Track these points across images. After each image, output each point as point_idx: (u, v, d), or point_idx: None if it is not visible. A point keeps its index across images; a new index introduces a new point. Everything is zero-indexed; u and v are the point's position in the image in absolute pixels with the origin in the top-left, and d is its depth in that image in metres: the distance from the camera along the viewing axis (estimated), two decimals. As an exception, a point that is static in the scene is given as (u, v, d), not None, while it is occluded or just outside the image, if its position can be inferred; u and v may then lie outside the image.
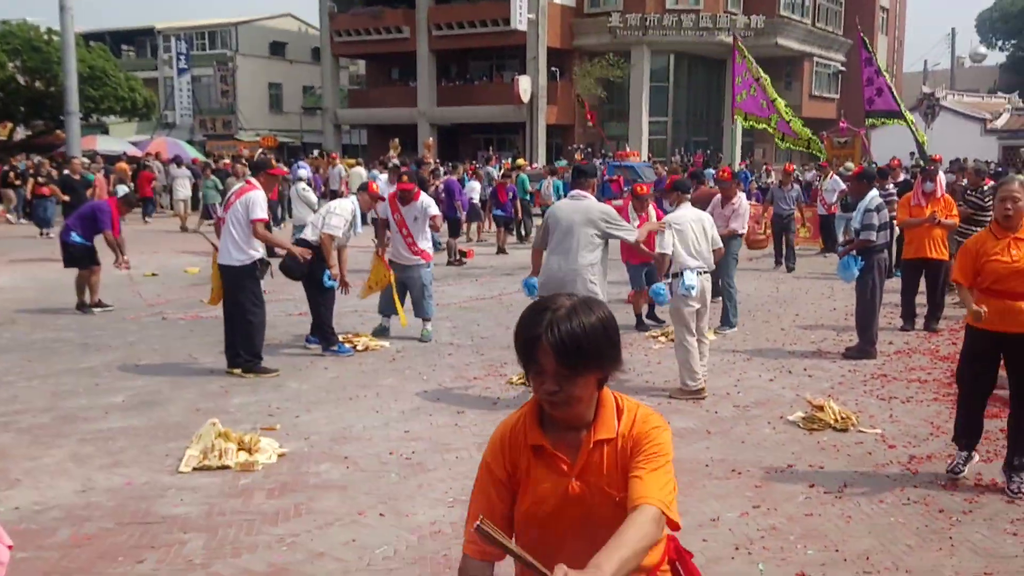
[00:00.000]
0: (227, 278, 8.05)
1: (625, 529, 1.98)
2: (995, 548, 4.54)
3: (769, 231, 16.70)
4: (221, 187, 22.24)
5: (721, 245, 7.81)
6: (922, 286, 10.33)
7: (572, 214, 7.16)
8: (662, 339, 9.66)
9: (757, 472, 5.63)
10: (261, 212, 7.95)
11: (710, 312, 7.96)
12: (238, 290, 8.01)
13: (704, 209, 8.81)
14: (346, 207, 8.98)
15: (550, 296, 2.17)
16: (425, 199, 9.63)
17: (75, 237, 10.98)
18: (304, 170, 16.81)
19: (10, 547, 2.45)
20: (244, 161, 22.06)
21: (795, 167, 17.85)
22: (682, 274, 7.44)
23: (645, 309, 10.75)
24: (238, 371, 8.00)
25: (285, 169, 9.52)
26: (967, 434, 5.58)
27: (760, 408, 7.08)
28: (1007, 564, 4.35)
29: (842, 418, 6.56)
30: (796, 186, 16.50)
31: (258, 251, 8.07)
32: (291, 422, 6.66)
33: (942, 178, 10.54)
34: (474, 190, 21.19)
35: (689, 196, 8.10)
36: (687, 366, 7.41)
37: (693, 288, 7.38)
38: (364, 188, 9.85)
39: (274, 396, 7.37)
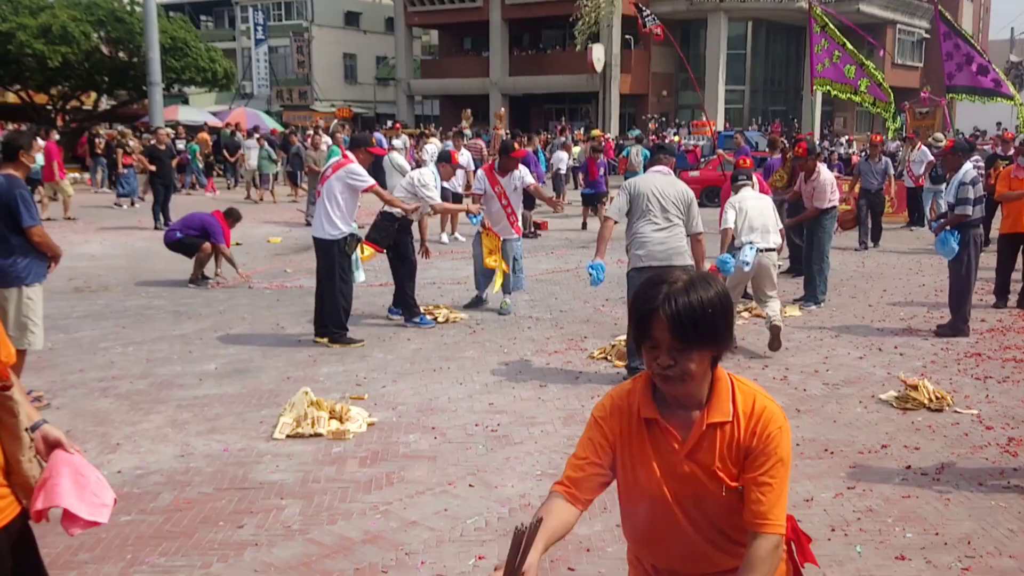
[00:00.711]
0: (320, 251, 8.15)
1: (753, 564, 2.04)
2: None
3: (854, 209, 14.96)
4: (274, 157, 22.53)
5: (781, 226, 7.50)
6: (1018, 263, 9.98)
7: (666, 188, 7.02)
8: (745, 314, 9.51)
9: (850, 452, 5.52)
10: (365, 178, 8.02)
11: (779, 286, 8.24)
12: (330, 263, 8.09)
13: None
14: (428, 177, 9.03)
15: (665, 270, 2.14)
16: (522, 168, 9.62)
17: (179, 235, 11.14)
18: (399, 140, 17.15)
19: (115, 500, 2.53)
20: (320, 131, 22.30)
21: (883, 137, 16.95)
22: (742, 248, 7.94)
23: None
24: (325, 341, 8.14)
25: (384, 149, 9.61)
26: None
27: (851, 386, 6.94)
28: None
29: (937, 398, 6.39)
30: (885, 158, 15.27)
31: (351, 225, 8.15)
32: (378, 392, 6.76)
33: None
34: (561, 160, 21.10)
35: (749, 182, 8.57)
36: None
37: (748, 264, 7.87)
38: (446, 158, 9.87)
39: (360, 366, 7.48)
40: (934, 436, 5.81)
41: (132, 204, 20.71)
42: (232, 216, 11.67)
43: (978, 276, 8.84)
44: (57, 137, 20.68)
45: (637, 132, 33.65)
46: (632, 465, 2.17)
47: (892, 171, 16.10)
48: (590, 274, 7.20)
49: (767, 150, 14.60)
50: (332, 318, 8.16)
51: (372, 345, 8.17)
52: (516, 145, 9.86)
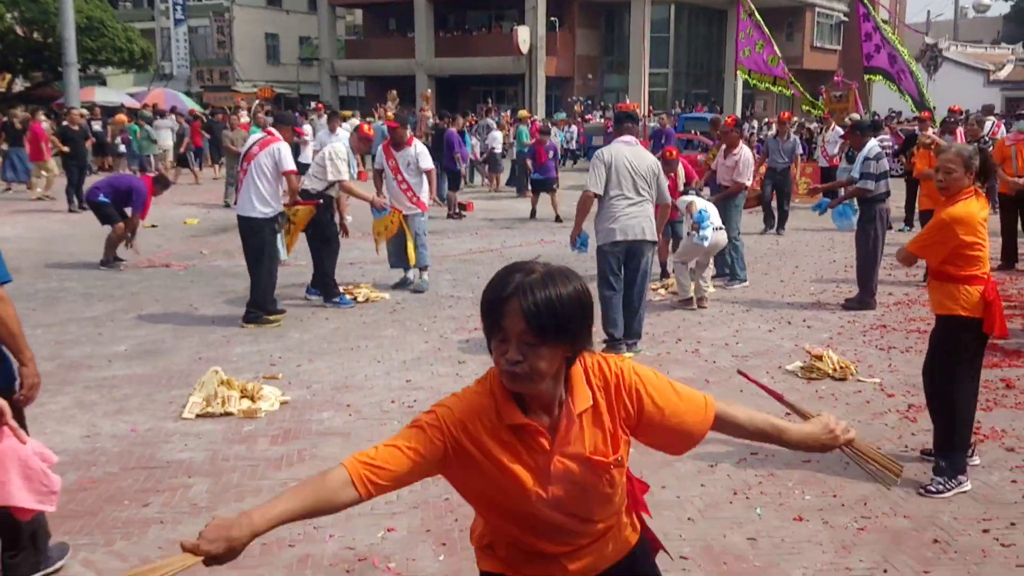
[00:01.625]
0: (247, 231, 7.99)
1: (741, 413, 2.20)
2: (994, 495, 4.59)
3: (757, 187, 14.05)
4: (154, 137, 21.96)
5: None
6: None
7: (636, 161, 6.99)
8: (662, 291, 9.67)
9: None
10: (291, 163, 7.91)
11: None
12: (259, 243, 7.95)
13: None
14: (341, 150, 8.94)
15: (520, 261, 2.01)
16: (419, 146, 9.55)
17: (102, 198, 10.79)
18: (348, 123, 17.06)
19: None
20: (240, 111, 21.88)
21: (794, 116, 16.93)
22: (701, 227, 8.51)
23: (670, 262, 10.67)
24: (250, 325, 8.03)
25: (304, 130, 9.53)
26: None
27: (759, 358, 7.12)
28: (1006, 510, 4.41)
29: (840, 367, 6.60)
30: (794, 137, 14.83)
31: (279, 205, 8.03)
32: (293, 371, 6.70)
33: (961, 133, 10.42)
34: (496, 140, 21.03)
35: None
36: (682, 285, 9.03)
37: (707, 240, 8.53)
38: (356, 130, 9.80)
39: (276, 346, 7.40)
40: (836, 403, 6.00)
41: (8, 188, 19.71)
42: (160, 183, 11.36)
43: (885, 252, 9.13)
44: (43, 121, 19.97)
45: (562, 115, 33.79)
46: (496, 473, 2.02)
47: (801, 150, 15.74)
48: (578, 248, 7.48)
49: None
50: (256, 295, 8.06)
51: (289, 325, 8.08)
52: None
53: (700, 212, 8.66)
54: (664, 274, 10.24)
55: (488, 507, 2.14)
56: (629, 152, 7.05)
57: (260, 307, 8.07)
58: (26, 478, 2.39)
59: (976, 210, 4.52)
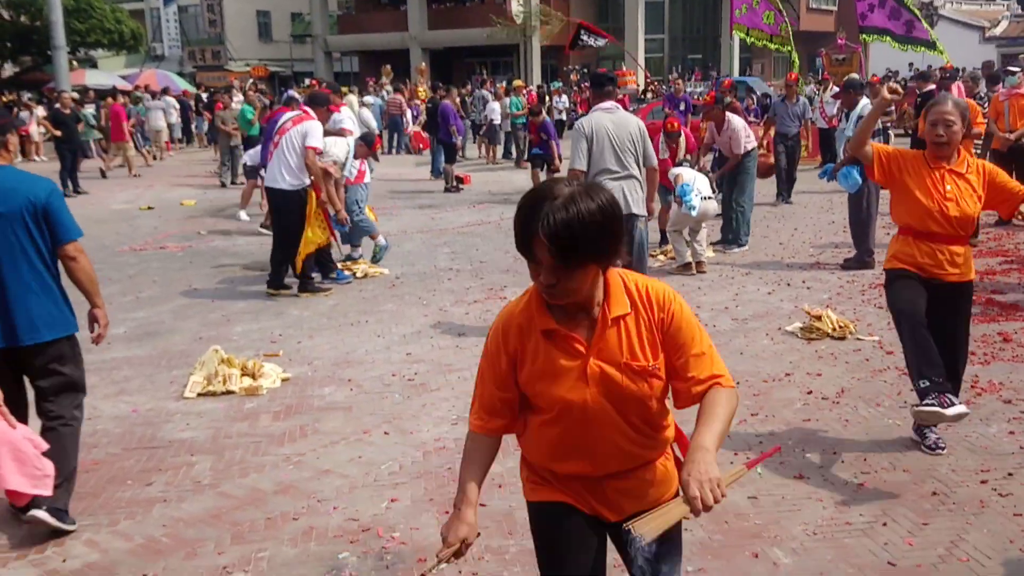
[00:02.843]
0: (276, 202, 8.19)
1: (715, 406, 2.09)
2: (992, 446, 4.61)
3: (770, 156, 13.05)
4: (92, 123, 21.70)
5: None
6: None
7: (618, 131, 6.52)
8: (661, 257, 9.66)
9: (755, 381, 5.69)
10: (317, 141, 7.96)
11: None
12: (286, 214, 8.12)
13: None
14: (341, 152, 8.83)
15: (550, 183, 2.04)
16: (344, 111, 9.54)
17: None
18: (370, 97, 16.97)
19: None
20: (234, 91, 21.73)
21: (799, 76, 16.08)
22: (688, 197, 8.60)
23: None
24: (284, 292, 8.32)
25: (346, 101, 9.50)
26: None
27: (759, 320, 7.12)
28: (1003, 461, 4.43)
29: (840, 327, 6.60)
30: (802, 99, 14.02)
31: (308, 179, 8.10)
32: (294, 348, 6.71)
33: (960, 87, 10.27)
34: (495, 111, 20.90)
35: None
36: (678, 251, 9.06)
37: (694, 209, 8.62)
38: (370, 141, 9.60)
39: (276, 323, 7.41)
40: (836, 363, 6.01)
41: None
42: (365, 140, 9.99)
43: (881, 210, 9.09)
44: (123, 100, 20.19)
45: (559, 84, 33.60)
46: (541, 379, 2.15)
47: (809, 113, 14.86)
48: None
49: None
50: (276, 266, 8.28)
51: (288, 303, 8.09)
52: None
53: (683, 186, 8.71)
54: (664, 240, 10.21)
55: (533, 427, 2.24)
56: (610, 120, 6.60)
57: (302, 276, 8.33)
58: (18, 462, 2.41)
59: None
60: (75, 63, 32.94)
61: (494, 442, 2.30)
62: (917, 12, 18.32)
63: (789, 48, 17.16)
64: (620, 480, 2.23)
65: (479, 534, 2.30)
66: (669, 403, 2.23)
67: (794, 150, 13.63)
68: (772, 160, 12.83)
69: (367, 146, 9.43)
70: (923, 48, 18.39)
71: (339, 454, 4.77)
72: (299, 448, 4.85)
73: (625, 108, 10.18)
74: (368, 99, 23.21)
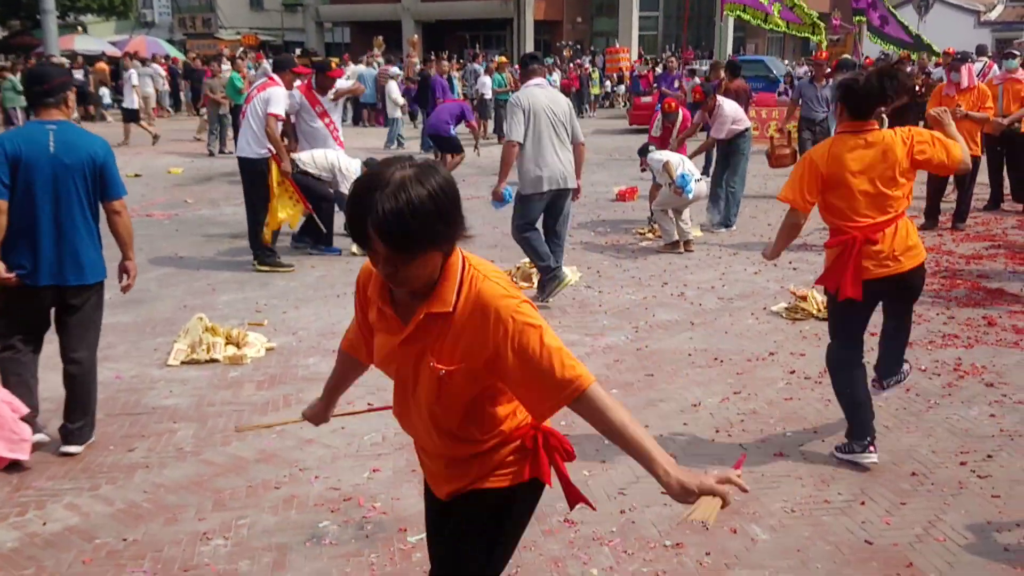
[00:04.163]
0: (245, 171, 8.12)
1: (614, 423, 2.06)
2: (972, 428, 4.65)
3: (794, 145, 11.81)
4: (20, 89, 21.49)
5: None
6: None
7: (553, 105, 6.82)
8: (650, 236, 9.66)
9: (739, 360, 5.71)
10: (278, 108, 7.88)
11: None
12: (256, 184, 8.04)
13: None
14: (355, 168, 8.74)
15: (382, 167, 1.92)
16: (338, 82, 9.28)
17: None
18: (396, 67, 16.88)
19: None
20: (223, 59, 21.55)
21: (828, 54, 14.85)
22: (684, 180, 8.54)
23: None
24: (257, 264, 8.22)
25: (308, 68, 9.06)
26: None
27: (744, 300, 7.14)
28: (983, 443, 4.46)
29: (825, 307, 6.61)
30: (831, 81, 11.70)
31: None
32: (279, 318, 6.70)
33: (973, 68, 10.12)
34: (485, 85, 20.78)
35: None
36: (665, 230, 9.01)
37: (691, 192, 8.58)
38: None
39: (261, 293, 7.39)
40: (820, 343, 6.01)
41: None
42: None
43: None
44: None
45: (552, 59, 33.41)
46: (375, 332, 2.22)
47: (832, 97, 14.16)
48: (504, 199, 7.10)
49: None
50: (255, 239, 8.13)
51: (274, 273, 8.05)
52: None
53: (682, 175, 8.52)
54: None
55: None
56: (544, 96, 6.83)
57: (260, 246, 8.16)
58: None
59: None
60: (65, 28, 32.54)
61: (355, 361, 2.50)
62: (892, 10, 18.15)
63: (784, 27, 17.06)
64: (433, 461, 2.28)
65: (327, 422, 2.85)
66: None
67: (822, 136, 11.15)
68: (790, 150, 11.66)
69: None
70: (892, 46, 18.16)
71: (322, 425, 4.75)
72: (282, 417, 4.85)
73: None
74: (359, 68, 23.02)
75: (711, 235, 9.72)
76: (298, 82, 8.61)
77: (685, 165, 8.77)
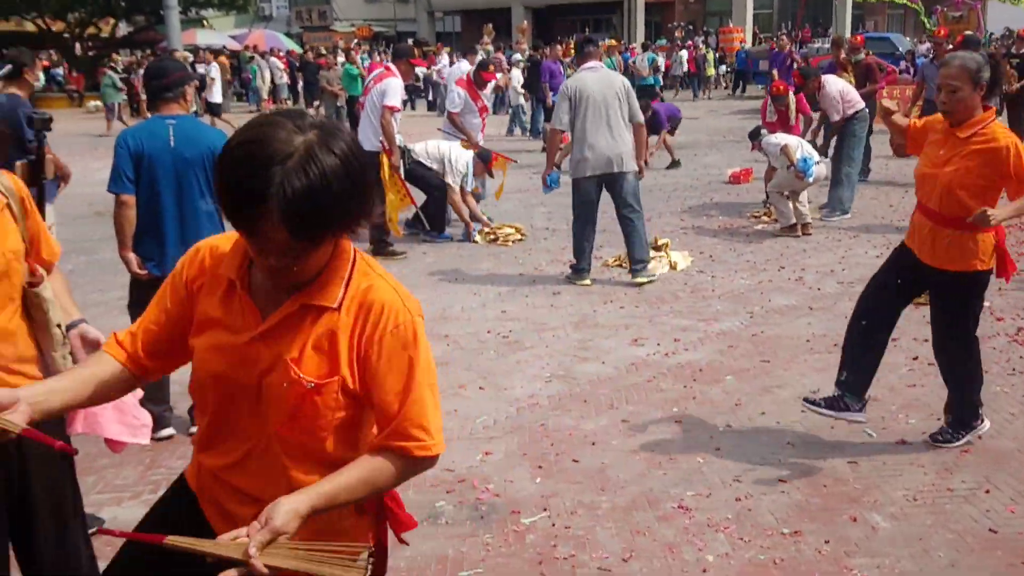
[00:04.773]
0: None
1: (352, 467, 1.67)
2: (1110, 420, 4.39)
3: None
4: (120, 85, 21.97)
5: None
6: None
7: (604, 88, 6.88)
8: (765, 219, 9.44)
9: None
10: (394, 100, 7.95)
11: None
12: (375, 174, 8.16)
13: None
14: (464, 162, 8.81)
15: (269, 129, 1.49)
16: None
17: None
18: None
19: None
20: (338, 51, 22.05)
21: (949, 32, 14.19)
22: (806, 162, 8.37)
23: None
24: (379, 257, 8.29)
25: (424, 60, 9.43)
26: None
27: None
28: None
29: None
30: None
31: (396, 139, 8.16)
32: (393, 303, 6.83)
33: None
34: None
35: None
36: (781, 213, 8.75)
37: (811, 177, 8.41)
38: (485, 159, 9.29)
39: (376, 279, 7.55)
40: (945, 329, 5.79)
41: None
42: None
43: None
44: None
45: (663, 41, 32.94)
46: (201, 330, 1.72)
47: None
48: (548, 184, 7.48)
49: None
50: (372, 229, 8.25)
51: (387, 261, 8.22)
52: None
53: (804, 160, 8.36)
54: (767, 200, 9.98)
55: (192, 390, 1.81)
56: (594, 79, 6.93)
57: (382, 235, 8.33)
58: (118, 410, 2.51)
59: None
60: (187, 23, 33.89)
61: (125, 374, 1.82)
62: None
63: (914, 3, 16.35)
64: (244, 505, 1.73)
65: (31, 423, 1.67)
66: None
67: None
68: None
69: (483, 163, 9.23)
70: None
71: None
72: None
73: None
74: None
75: (829, 218, 9.42)
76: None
77: (803, 148, 8.54)
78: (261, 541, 1.51)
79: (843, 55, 11.68)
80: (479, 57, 20.50)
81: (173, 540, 1.55)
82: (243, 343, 1.66)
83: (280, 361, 1.64)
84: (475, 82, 9.34)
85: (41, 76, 14.69)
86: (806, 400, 4.31)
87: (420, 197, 8.91)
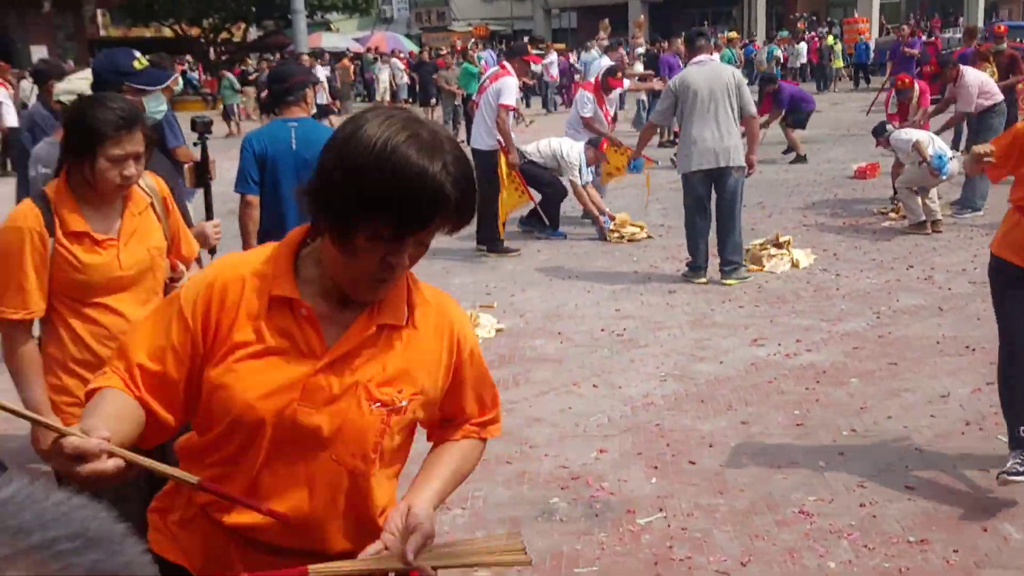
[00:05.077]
0: (478, 161, 8.16)
1: (447, 460, 1.67)
2: None
3: None
4: (238, 87, 22.26)
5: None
6: None
7: (711, 81, 6.80)
8: (892, 215, 9.08)
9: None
10: (509, 98, 7.95)
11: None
12: (486, 174, 8.10)
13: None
14: (575, 153, 8.69)
15: (407, 114, 1.43)
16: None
17: None
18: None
19: None
20: (455, 52, 22.34)
21: None
22: (943, 158, 8.04)
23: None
24: (483, 249, 8.39)
25: (539, 56, 9.43)
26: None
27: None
28: None
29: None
30: None
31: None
32: (507, 301, 6.89)
33: None
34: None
35: None
36: (910, 209, 8.38)
37: (946, 174, 8.07)
38: (594, 144, 9.04)
39: (491, 276, 7.63)
40: (1091, 333, 5.46)
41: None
42: None
43: None
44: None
45: (785, 33, 32.11)
46: (236, 363, 1.47)
47: None
48: (629, 166, 7.96)
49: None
50: (487, 228, 8.28)
51: (502, 258, 8.29)
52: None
53: (939, 157, 8.03)
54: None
55: (204, 434, 1.55)
56: (701, 73, 6.86)
57: (493, 236, 8.31)
58: None
59: None
60: (313, 27, 34.97)
61: (142, 418, 1.47)
62: None
63: None
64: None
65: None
66: None
67: None
68: None
69: (594, 148, 9.05)
70: None
71: (549, 404, 4.88)
72: (512, 396, 5.00)
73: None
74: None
75: (961, 215, 9.00)
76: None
77: (935, 143, 8.19)
78: (416, 546, 1.47)
79: (980, 45, 11.14)
80: (594, 53, 20.42)
81: (316, 569, 1.45)
82: (307, 373, 1.46)
83: (357, 387, 1.49)
84: (602, 87, 9.33)
85: (180, 80, 15.41)
86: (1005, 474, 3.58)
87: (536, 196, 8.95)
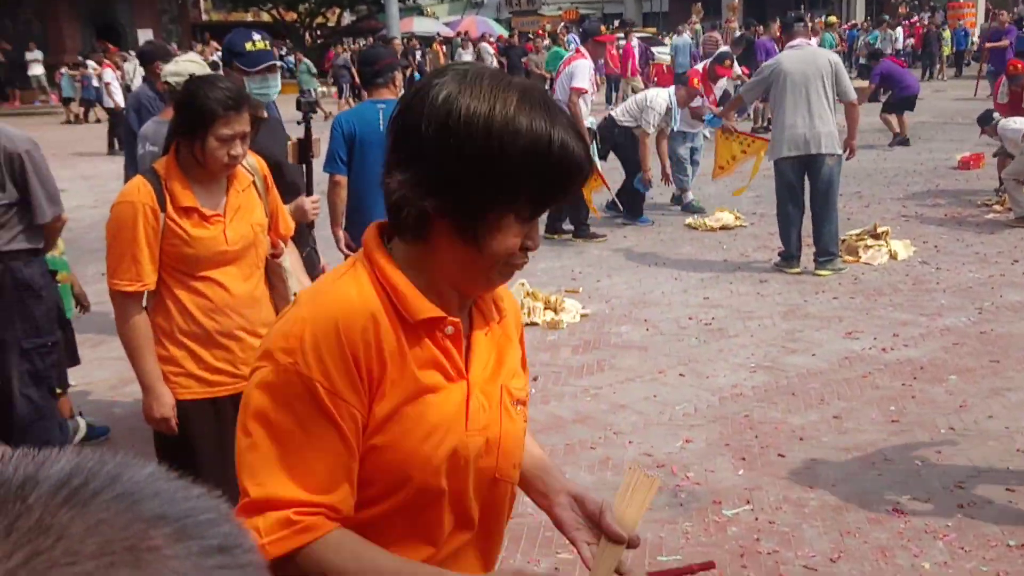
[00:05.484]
0: None
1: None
2: None
3: None
4: (314, 71, 22.15)
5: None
6: None
7: (804, 66, 6.64)
8: (998, 208, 8.73)
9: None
10: (581, 81, 7.79)
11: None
12: None
13: None
14: (661, 102, 8.51)
15: (477, 69, 1.24)
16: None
17: None
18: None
19: None
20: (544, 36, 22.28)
21: None
22: None
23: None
24: (563, 236, 8.38)
25: (612, 36, 9.29)
26: None
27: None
28: None
29: None
30: None
31: (588, 120, 8.07)
32: (593, 286, 6.86)
33: None
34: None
35: None
36: (1017, 202, 8.01)
37: None
38: (684, 81, 9.23)
39: (576, 262, 7.60)
40: None
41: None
42: None
43: None
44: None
45: (886, 18, 31.05)
46: (399, 416, 1.25)
47: None
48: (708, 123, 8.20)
49: None
50: (572, 212, 8.28)
51: (587, 243, 8.25)
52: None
53: None
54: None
55: (370, 491, 1.28)
56: (797, 57, 6.74)
57: (579, 222, 8.34)
58: None
59: None
60: (406, 11, 35.35)
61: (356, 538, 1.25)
62: None
63: None
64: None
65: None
66: None
67: None
68: None
69: (685, 87, 8.90)
70: None
71: (634, 391, 4.84)
72: (596, 382, 4.98)
73: None
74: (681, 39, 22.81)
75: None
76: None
77: None
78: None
79: None
80: (685, 37, 20.12)
81: None
82: (464, 398, 1.30)
83: (501, 393, 1.35)
84: (709, 76, 9.19)
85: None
86: None
87: (616, 181, 8.85)
